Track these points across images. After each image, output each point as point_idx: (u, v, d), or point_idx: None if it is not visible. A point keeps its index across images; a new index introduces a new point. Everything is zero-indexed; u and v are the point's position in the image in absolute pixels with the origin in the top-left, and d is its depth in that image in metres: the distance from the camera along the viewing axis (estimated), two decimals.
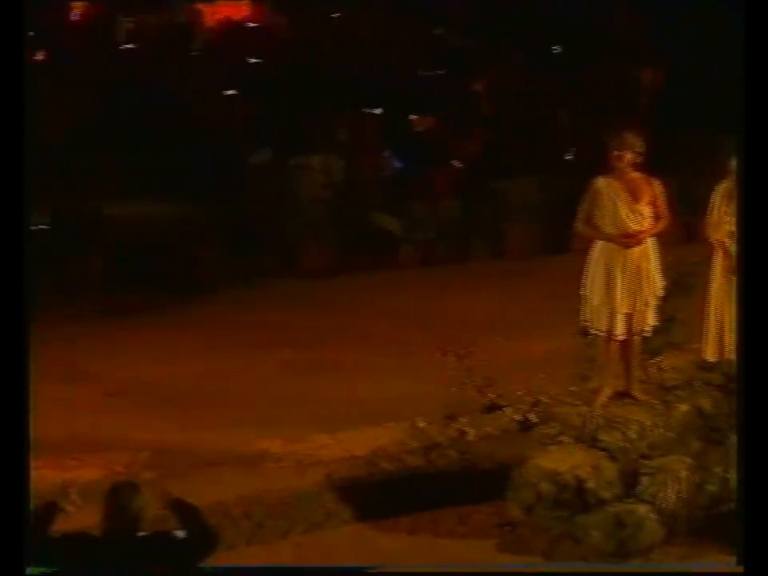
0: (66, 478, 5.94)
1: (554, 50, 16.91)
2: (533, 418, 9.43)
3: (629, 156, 7.85)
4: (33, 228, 13.20)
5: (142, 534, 5.53)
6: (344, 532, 8.12)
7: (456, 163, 14.81)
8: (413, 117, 15.35)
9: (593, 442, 7.96)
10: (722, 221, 7.80)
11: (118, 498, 5.55)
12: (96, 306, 12.35)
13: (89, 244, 13.22)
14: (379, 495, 8.60)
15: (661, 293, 7.95)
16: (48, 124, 14.40)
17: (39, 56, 16.27)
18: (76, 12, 17.41)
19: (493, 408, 9.94)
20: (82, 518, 8.07)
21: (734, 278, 7.40)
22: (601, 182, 7.94)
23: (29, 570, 5.36)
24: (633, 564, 7.45)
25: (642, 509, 7.59)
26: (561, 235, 13.73)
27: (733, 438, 7.25)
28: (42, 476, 8.79)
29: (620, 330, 7.95)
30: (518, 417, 9.60)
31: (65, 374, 10.58)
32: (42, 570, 5.49)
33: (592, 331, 8.10)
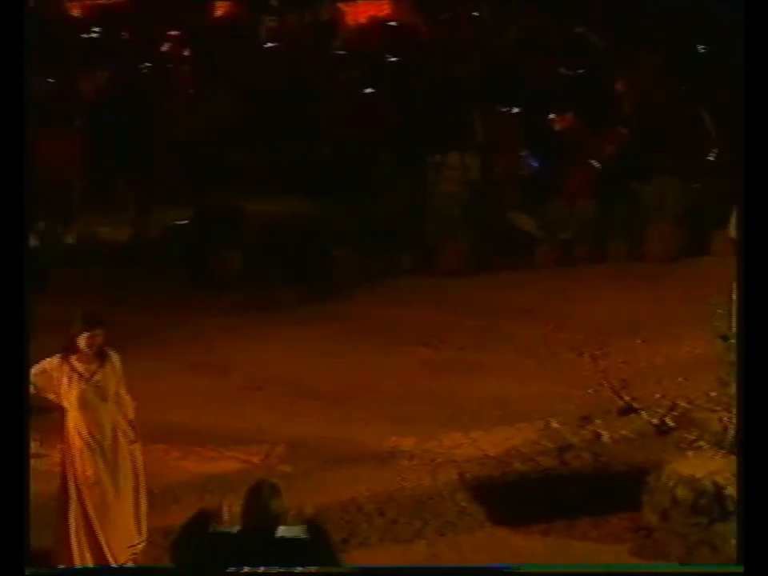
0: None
1: (700, 49, 16.61)
2: (670, 422, 9.30)
3: None
4: (177, 223, 13.50)
5: (279, 533, 5.61)
6: (477, 531, 8.11)
7: (594, 163, 14.64)
8: (551, 116, 15.22)
9: (733, 449, 7.81)
10: None
11: (259, 496, 5.64)
12: (235, 301, 12.54)
13: (229, 240, 13.42)
14: (512, 495, 8.57)
15: None
16: (192, 123, 14.67)
17: (184, 54, 16.57)
18: (220, 11, 17.69)
19: (629, 411, 9.83)
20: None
21: None
22: None
23: (29, 571, 5.38)
24: (632, 564, 7.32)
25: None
26: (701, 237, 13.50)
27: None
28: (181, 467, 8.99)
29: None
30: (654, 420, 9.47)
31: (205, 367, 10.76)
32: (42, 570, 5.53)
33: None
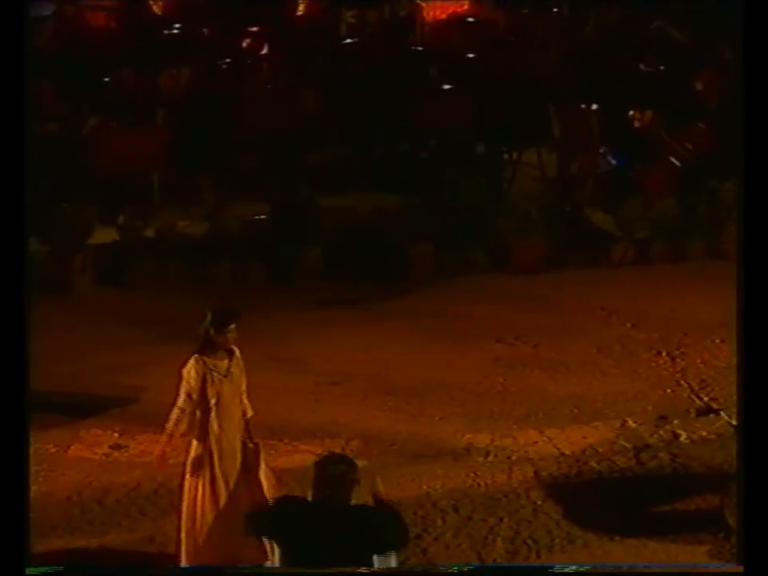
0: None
1: None
2: None
3: None
4: (255, 218, 13.59)
5: (351, 505, 5.66)
6: (552, 530, 8.07)
7: (674, 160, 14.51)
8: (631, 113, 15.10)
9: None
10: None
11: (323, 471, 5.71)
12: (312, 297, 12.59)
13: (306, 236, 13.46)
14: (588, 494, 8.52)
15: None
16: (270, 118, 14.74)
17: (264, 51, 16.64)
18: (301, 7, 17.74)
19: (707, 411, 9.73)
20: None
21: None
22: None
23: (29, 570, 5.39)
24: (632, 564, 7.20)
25: None
26: None
27: None
28: None
29: None
30: (734, 421, 9.36)
31: (281, 362, 10.82)
32: (42, 570, 5.54)
33: None
